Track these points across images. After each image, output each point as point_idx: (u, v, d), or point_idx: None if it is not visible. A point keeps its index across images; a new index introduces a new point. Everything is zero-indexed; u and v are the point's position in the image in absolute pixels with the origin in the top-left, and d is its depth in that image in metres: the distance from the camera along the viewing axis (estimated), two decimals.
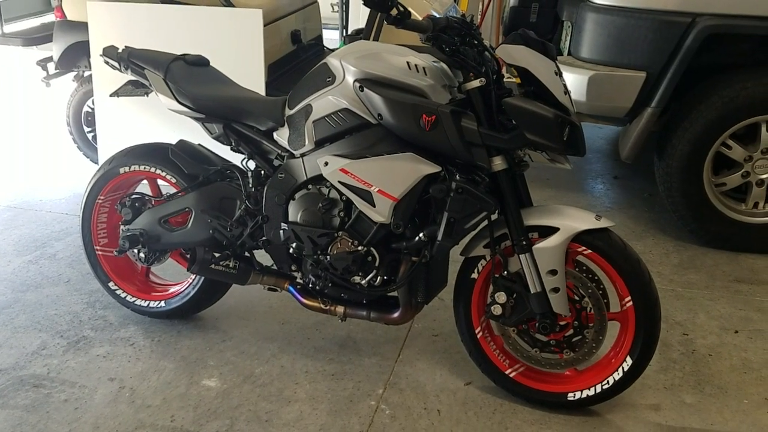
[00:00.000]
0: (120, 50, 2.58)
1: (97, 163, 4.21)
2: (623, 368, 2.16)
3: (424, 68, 2.12)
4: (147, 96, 2.71)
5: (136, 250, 2.64)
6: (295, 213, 2.30)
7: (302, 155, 2.27)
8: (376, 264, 2.23)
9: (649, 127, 3.15)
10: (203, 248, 2.43)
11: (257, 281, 2.49)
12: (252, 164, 2.44)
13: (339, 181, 2.17)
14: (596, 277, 2.19)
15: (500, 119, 2.05)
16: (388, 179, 2.10)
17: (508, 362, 2.30)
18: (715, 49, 3.11)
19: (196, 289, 2.65)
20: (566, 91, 2.06)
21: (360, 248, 2.21)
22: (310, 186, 2.29)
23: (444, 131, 2.01)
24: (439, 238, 2.10)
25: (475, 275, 2.25)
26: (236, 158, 2.50)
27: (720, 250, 3.34)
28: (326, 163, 2.19)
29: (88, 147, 4.35)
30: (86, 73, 4.22)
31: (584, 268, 2.19)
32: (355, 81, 2.12)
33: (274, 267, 2.48)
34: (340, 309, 2.38)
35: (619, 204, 3.91)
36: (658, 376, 2.44)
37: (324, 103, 2.19)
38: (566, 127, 2.01)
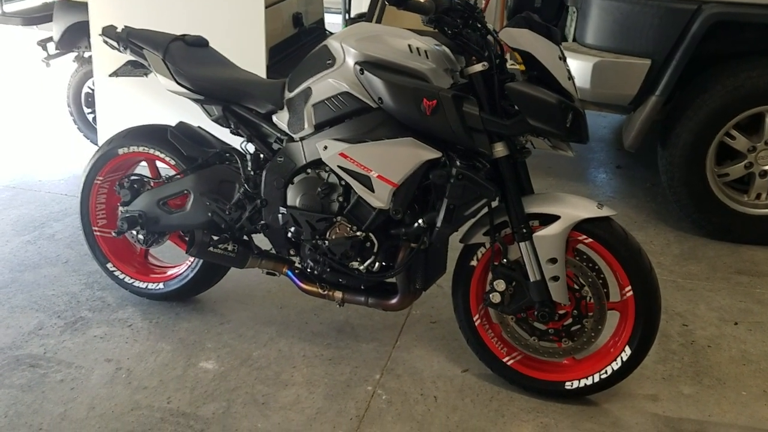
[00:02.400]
0: (119, 30, 2.56)
1: (97, 144, 4.18)
2: (622, 358, 2.15)
3: (425, 51, 2.09)
4: (146, 76, 2.68)
5: (134, 232, 2.63)
6: (293, 197, 2.29)
7: (301, 139, 2.25)
8: (375, 250, 2.22)
9: (653, 116, 3.12)
10: (201, 231, 2.42)
11: (255, 265, 2.48)
12: (251, 147, 2.42)
13: (338, 166, 2.15)
14: (596, 266, 2.17)
15: (503, 104, 2.03)
16: (387, 164, 2.08)
17: (506, 350, 2.30)
18: (721, 37, 3.07)
19: (194, 271, 2.64)
20: (570, 77, 2.04)
21: (358, 234, 2.20)
22: (309, 170, 2.27)
23: (445, 116, 1.99)
24: (438, 224, 2.08)
25: (474, 262, 2.24)
26: (236, 141, 2.48)
27: (721, 241, 3.32)
28: (325, 147, 2.17)
29: (88, 128, 4.33)
30: (86, 54, 4.19)
31: (584, 256, 2.18)
32: (355, 64, 2.10)
33: (273, 251, 2.47)
34: (338, 294, 2.37)
35: (621, 193, 3.89)
36: (657, 367, 2.43)
37: (324, 86, 2.17)
38: (569, 113, 1.98)
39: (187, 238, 2.62)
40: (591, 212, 2.07)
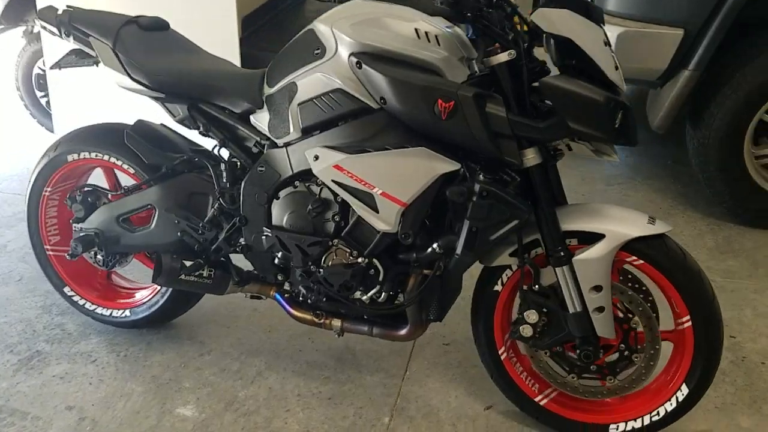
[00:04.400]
0: (60, 11, 2.11)
1: (52, 131, 3.74)
2: (677, 398, 1.82)
3: (436, 37, 1.69)
4: (96, 66, 2.24)
5: (92, 253, 2.23)
6: (280, 215, 1.90)
7: (286, 145, 1.85)
8: (380, 278, 1.85)
9: (686, 93, 2.73)
10: (170, 255, 2.02)
11: (237, 290, 2.10)
12: (226, 153, 2.02)
13: (333, 180, 1.76)
14: (643, 288, 1.82)
15: (532, 102, 1.64)
16: (394, 180, 1.70)
17: (537, 387, 1.95)
18: (764, 2, 2.67)
19: (164, 297, 2.26)
20: (617, 66, 1.65)
21: (360, 260, 1.82)
22: (297, 183, 1.87)
23: (465, 120, 1.60)
24: (458, 251, 1.70)
25: (498, 287, 1.87)
26: (208, 142, 2.08)
27: (759, 229, 2.98)
28: (316, 157, 1.77)
29: (42, 113, 3.87)
30: (35, 29, 3.71)
31: (629, 276, 1.82)
32: (350, 55, 1.69)
33: (255, 272, 2.09)
34: (337, 323, 2.00)
35: (642, 174, 3.52)
36: (708, 393, 2.09)
37: (311, 81, 1.76)
38: (618, 112, 1.60)
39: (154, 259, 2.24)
40: (642, 229, 1.71)
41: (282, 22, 3.82)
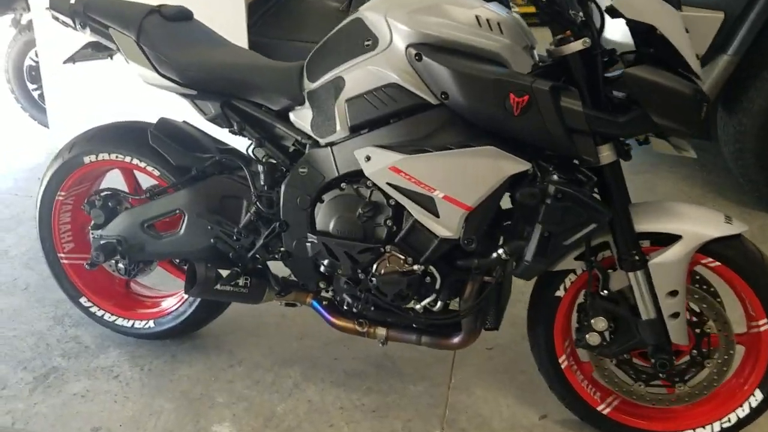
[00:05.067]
0: (73, 1, 1.94)
1: (47, 126, 3.54)
2: (750, 404, 1.73)
3: (498, 24, 1.55)
4: (112, 59, 2.07)
5: (113, 261, 2.07)
6: (325, 220, 1.76)
7: (331, 144, 1.71)
8: (436, 286, 1.72)
9: (725, 78, 2.63)
10: (204, 265, 1.88)
11: (273, 298, 1.97)
12: (261, 152, 1.87)
13: (387, 183, 1.63)
14: (712, 289, 1.73)
15: (607, 94, 1.52)
16: (458, 182, 1.57)
17: (599, 395, 1.85)
18: None
19: (193, 307, 2.11)
20: (697, 54, 1.53)
21: (416, 267, 1.69)
22: (343, 185, 1.74)
23: (540, 116, 1.47)
24: (528, 258, 1.58)
25: (560, 293, 1.76)
26: (238, 141, 1.93)
27: None
28: (368, 158, 1.64)
29: (35, 107, 3.66)
30: (25, 18, 3.49)
31: (697, 277, 1.72)
32: (408, 46, 1.55)
33: (293, 278, 1.96)
34: (382, 332, 1.88)
35: (667, 162, 3.42)
36: None
37: (362, 75, 1.62)
38: (704, 105, 1.48)
39: (182, 266, 2.10)
40: (720, 229, 1.60)
41: (291, 10, 3.64)
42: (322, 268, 1.80)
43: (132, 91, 2.93)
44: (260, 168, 1.83)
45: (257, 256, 1.88)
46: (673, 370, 1.71)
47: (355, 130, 1.67)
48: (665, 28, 1.46)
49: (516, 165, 1.55)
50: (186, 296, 2.12)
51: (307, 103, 1.74)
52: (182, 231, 1.95)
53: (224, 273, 1.89)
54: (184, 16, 1.92)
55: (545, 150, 1.56)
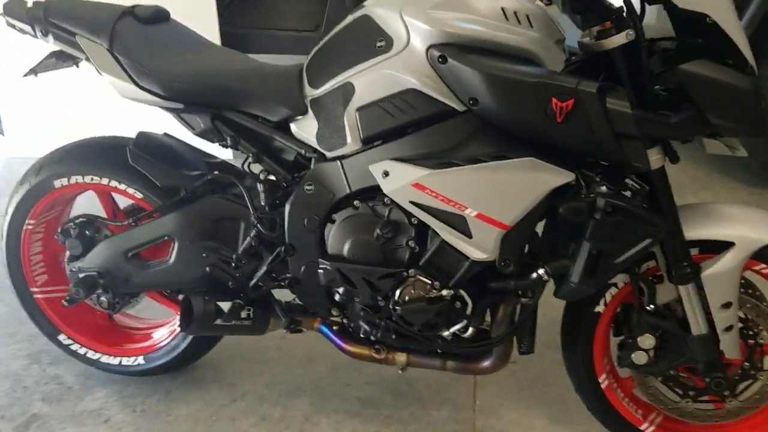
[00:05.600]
0: (30, 4, 1.70)
1: (2, 133, 3.26)
2: None
3: (527, 16, 1.38)
4: (78, 66, 1.83)
5: (94, 295, 1.86)
6: (338, 244, 1.57)
7: (341, 158, 1.52)
8: (467, 311, 1.55)
9: None
10: (201, 298, 1.68)
11: (279, 326, 1.78)
12: (259, 168, 1.67)
13: (411, 201, 1.44)
14: (758, 293, 1.59)
15: (653, 92, 1.36)
16: (494, 198, 1.40)
17: (641, 413, 1.72)
18: None
19: (187, 341, 1.91)
20: (748, 42, 1.37)
21: (444, 292, 1.52)
22: (357, 203, 1.55)
23: (587, 121, 1.31)
24: (575, 279, 1.42)
25: (600, 308, 1.61)
26: (226, 154, 1.73)
27: None
28: (386, 173, 1.45)
29: None
30: None
31: (742, 281, 1.58)
32: (430, 47, 1.36)
33: (297, 302, 1.77)
34: (401, 357, 1.71)
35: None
36: None
37: (375, 80, 1.43)
38: (762, 100, 1.33)
39: (171, 295, 1.90)
40: None
41: None
42: (336, 296, 1.61)
43: (95, 96, 2.70)
44: (260, 186, 1.62)
45: (260, 284, 1.69)
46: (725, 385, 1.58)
47: (368, 142, 1.48)
48: (719, 16, 1.29)
49: (558, 177, 1.38)
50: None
51: (310, 113, 1.54)
52: (173, 259, 1.74)
53: (223, 305, 1.69)
54: (161, 17, 1.69)
55: (587, 158, 1.40)
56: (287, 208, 1.60)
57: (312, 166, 1.57)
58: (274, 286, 1.70)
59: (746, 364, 1.58)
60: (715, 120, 1.31)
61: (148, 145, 1.76)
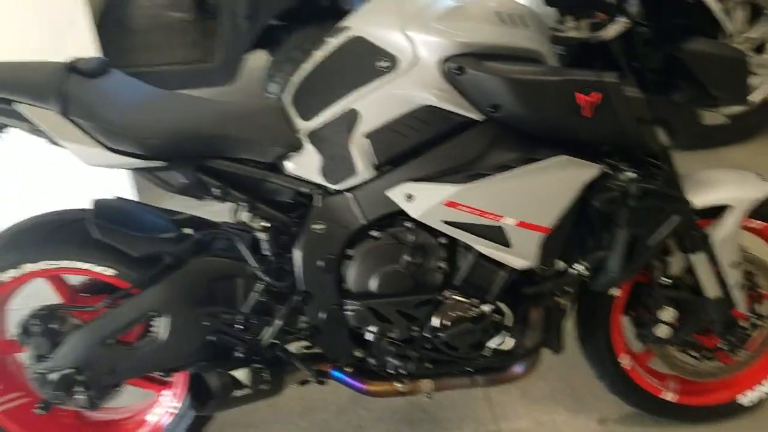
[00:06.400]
0: None
1: None
2: None
3: (520, 17, 1.38)
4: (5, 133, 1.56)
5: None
6: (362, 280, 1.47)
7: (351, 189, 1.43)
8: (507, 323, 1.52)
9: None
10: (215, 372, 1.50)
11: (293, 381, 1.64)
12: (247, 217, 1.51)
13: (444, 221, 1.39)
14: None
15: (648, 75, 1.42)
16: (531, 203, 1.38)
17: (658, 382, 1.78)
18: None
19: (189, 416, 1.70)
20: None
21: (485, 308, 1.48)
22: (375, 233, 1.46)
23: (614, 112, 1.32)
24: (615, 268, 1.44)
25: (615, 291, 1.64)
26: (197, 208, 1.57)
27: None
28: (410, 197, 1.38)
29: None
30: None
31: None
32: (445, 60, 1.32)
33: (306, 351, 1.64)
34: (427, 384, 1.64)
35: None
36: None
37: (383, 102, 1.37)
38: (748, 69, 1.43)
39: (163, 376, 1.68)
40: (763, 189, 1.58)
41: (127, 27, 3.16)
42: (369, 336, 1.51)
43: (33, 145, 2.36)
44: (262, 235, 1.49)
45: (275, 341, 1.54)
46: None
47: (381, 168, 1.40)
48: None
49: (590, 170, 1.39)
50: (170, 403, 1.71)
51: (308, 147, 1.43)
52: (166, 336, 1.54)
53: (238, 373, 1.53)
54: (104, 67, 1.49)
55: (606, 147, 1.42)
56: (296, 253, 1.48)
57: (317, 204, 1.46)
58: (290, 341, 1.56)
59: (751, 314, 1.69)
60: (716, 92, 1.39)
61: (110, 213, 1.54)
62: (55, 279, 1.65)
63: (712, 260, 1.57)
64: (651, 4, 1.41)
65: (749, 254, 1.66)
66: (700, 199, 1.55)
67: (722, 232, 1.55)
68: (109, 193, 1.60)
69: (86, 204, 1.56)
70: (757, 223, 1.61)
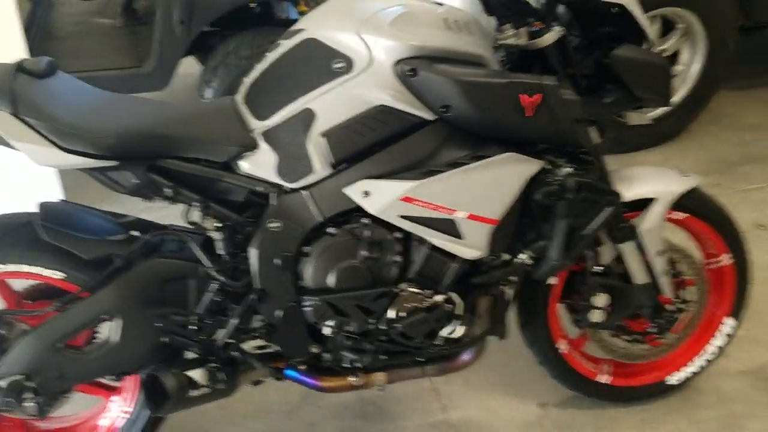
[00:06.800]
0: None
1: None
2: (723, 332, 1.90)
3: (465, 24, 1.46)
4: None
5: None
6: (319, 276, 1.51)
7: (307, 187, 1.47)
8: (459, 312, 1.59)
9: None
10: (170, 372, 1.50)
11: (246, 382, 1.66)
12: (197, 217, 1.52)
13: (401, 216, 1.45)
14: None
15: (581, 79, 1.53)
16: (481, 197, 1.46)
17: (593, 366, 1.90)
18: None
19: (142, 420, 1.69)
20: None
21: (438, 298, 1.55)
22: (331, 230, 1.50)
23: (553, 112, 1.42)
24: (555, 256, 1.53)
25: (552, 279, 1.75)
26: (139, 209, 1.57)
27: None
28: (366, 193, 1.44)
29: None
30: None
31: None
32: (398, 62, 1.38)
33: (259, 351, 1.66)
34: (380, 377, 1.69)
35: None
36: None
37: (339, 102, 1.42)
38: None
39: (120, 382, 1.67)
40: (684, 184, 1.71)
41: (53, 32, 3.07)
42: (326, 330, 1.55)
43: None
44: (217, 235, 1.50)
45: (230, 341, 1.56)
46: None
47: (337, 166, 1.45)
48: (630, 4, 1.49)
49: (532, 166, 1.48)
50: (124, 405, 1.69)
51: (263, 146, 1.46)
52: (118, 338, 1.53)
53: (194, 373, 1.54)
54: (52, 68, 1.48)
55: (545, 145, 1.52)
56: (252, 251, 1.50)
57: (273, 202, 1.49)
58: (246, 339, 1.58)
59: (677, 299, 1.83)
60: (642, 94, 1.51)
61: (56, 216, 1.53)
62: (0, 284, 1.61)
63: (640, 249, 1.69)
64: (581, 15, 1.53)
65: (673, 243, 1.80)
66: (627, 193, 1.67)
67: (648, 223, 1.67)
68: (35, 198, 1.57)
69: (24, 208, 1.54)
70: (679, 215, 1.75)
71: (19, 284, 1.63)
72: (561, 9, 1.50)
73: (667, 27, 3.23)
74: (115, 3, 3.26)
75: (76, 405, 1.81)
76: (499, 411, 1.93)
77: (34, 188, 2.37)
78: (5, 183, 2.34)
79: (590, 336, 1.84)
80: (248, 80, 1.53)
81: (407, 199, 1.43)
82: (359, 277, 1.51)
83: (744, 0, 3.37)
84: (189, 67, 3.39)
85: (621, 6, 1.47)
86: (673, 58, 3.31)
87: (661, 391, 1.93)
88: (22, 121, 1.35)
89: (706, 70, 3.29)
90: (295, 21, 1.57)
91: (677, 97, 3.35)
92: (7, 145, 1.37)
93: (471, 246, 1.49)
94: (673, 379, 1.92)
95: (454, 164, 1.44)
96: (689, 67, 3.31)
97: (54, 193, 2.58)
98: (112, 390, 1.73)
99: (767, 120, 3.68)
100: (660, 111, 3.36)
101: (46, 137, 1.36)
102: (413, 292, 1.53)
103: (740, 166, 3.20)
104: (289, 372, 1.68)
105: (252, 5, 2.92)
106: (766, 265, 2.46)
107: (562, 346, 1.83)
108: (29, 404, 1.54)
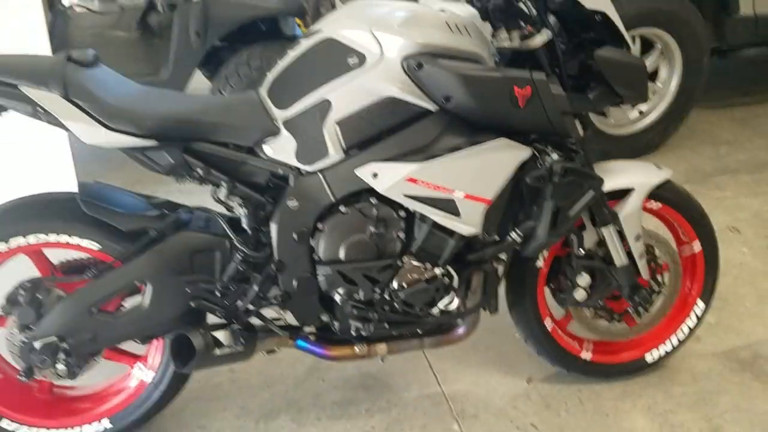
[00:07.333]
0: None
1: None
2: (696, 313, 2.09)
3: (465, 27, 1.66)
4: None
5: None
6: (332, 248, 1.69)
7: (322, 170, 1.65)
8: (454, 285, 1.77)
9: None
10: (199, 332, 1.67)
11: (261, 348, 1.82)
12: (224, 195, 1.70)
13: (406, 195, 1.63)
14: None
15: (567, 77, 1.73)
16: (477, 178, 1.64)
17: (576, 344, 2.07)
18: None
19: (163, 386, 1.84)
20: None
21: (437, 271, 1.72)
22: (343, 208, 1.68)
23: (541, 104, 1.62)
24: (542, 234, 1.72)
25: (539, 263, 1.93)
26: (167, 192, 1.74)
27: None
28: (375, 175, 1.62)
29: None
30: None
31: None
32: (406, 57, 1.58)
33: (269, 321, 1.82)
34: (382, 348, 1.86)
35: None
36: None
37: (352, 94, 1.60)
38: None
39: (147, 344, 1.83)
40: (659, 176, 1.91)
41: (67, 41, 3.26)
42: (336, 297, 1.72)
43: None
44: (242, 210, 1.68)
45: (251, 307, 1.73)
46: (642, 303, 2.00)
47: (349, 150, 1.63)
48: (610, 12, 1.70)
49: (523, 152, 1.67)
50: (148, 372, 1.85)
51: (284, 133, 1.65)
52: (148, 303, 1.69)
53: (219, 334, 1.70)
54: (96, 60, 1.66)
55: (535, 134, 1.71)
56: (272, 227, 1.68)
57: (292, 183, 1.67)
58: (264, 306, 1.75)
59: (652, 281, 2.01)
60: (622, 91, 1.71)
61: (95, 193, 1.70)
62: (38, 255, 1.77)
63: (620, 234, 1.88)
64: (568, 21, 1.74)
65: (649, 231, 1.99)
66: (608, 183, 1.86)
67: (627, 210, 1.86)
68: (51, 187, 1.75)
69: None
70: (655, 204, 1.94)
71: (54, 258, 1.79)
72: (550, 16, 1.71)
73: (646, 47, 3.47)
74: (129, 17, 3.44)
75: (99, 374, 1.98)
76: (490, 385, 2.10)
77: (49, 180, 2.52)
78: (22, 172, 2.48)
79: (574, 315, 2.02)
80: (271, 75, 1.71)
81: (411, 180, 1.61)
82: (367, 250, 1.69)
83: (717, 25, 3.63)
84: (196, 82, 3.59)
85: (603, 14, 1.68)
86: (653, 76, 3.55)
87: (639, 367, 2.10)
88: (73, 103, 1.53)
89: (683, 88, 3.53)
90: (299, 37, 1.77)
91: (657, 113, 3.60)
92: (60, 125, 1.55)
93: (467, 223, 1.67)
94: (651, 357, 2.09)
95: (454, 149, 1.62)
96: (667, 85, 3.55)
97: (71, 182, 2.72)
98: (137, 358, 1.89)
99: (740, 136, 3.93)
100: (642, 125, 3.61)
101: (94, 117, 1.54)
102: (415, 265, 1.71)
103: (715, 177, 3.44)
104: (300, 342, 1.84)
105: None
106: (737, 262, 2.68)
107: (549, 324, 2.01)
108: (61, 365, 1.70)
